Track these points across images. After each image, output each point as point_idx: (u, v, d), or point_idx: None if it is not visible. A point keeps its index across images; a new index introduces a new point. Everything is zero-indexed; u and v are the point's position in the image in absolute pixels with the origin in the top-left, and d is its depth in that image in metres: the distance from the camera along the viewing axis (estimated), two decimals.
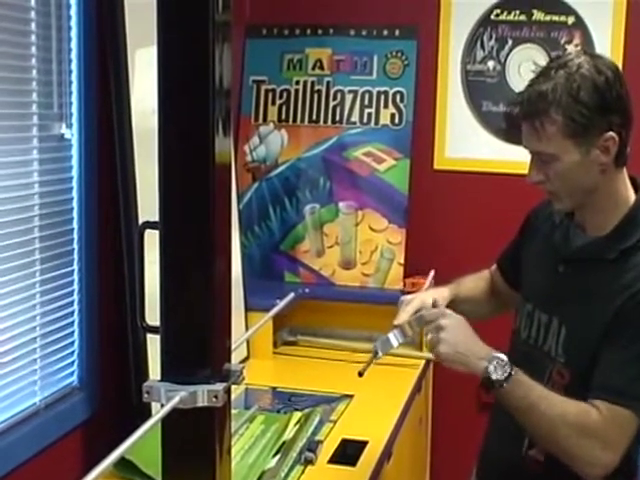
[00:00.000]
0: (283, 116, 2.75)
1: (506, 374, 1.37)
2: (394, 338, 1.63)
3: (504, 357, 1.40)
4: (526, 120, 1.39)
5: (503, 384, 1.37)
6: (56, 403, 1.74)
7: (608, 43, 2.62)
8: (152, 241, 1.22)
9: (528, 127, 1.39)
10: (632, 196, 1.45)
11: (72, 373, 1.81)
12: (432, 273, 2.09)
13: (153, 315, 1.23)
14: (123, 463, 1.55)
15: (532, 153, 1.42)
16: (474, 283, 1.79)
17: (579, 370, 1.41)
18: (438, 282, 2.60)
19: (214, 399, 1.08)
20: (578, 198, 1.43)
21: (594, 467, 1.36)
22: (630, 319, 1.35)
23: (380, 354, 1.61)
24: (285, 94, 2.76)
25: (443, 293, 1.70)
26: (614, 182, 1.42)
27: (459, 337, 1.43)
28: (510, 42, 2.69)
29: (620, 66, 2.57)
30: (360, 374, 1.56)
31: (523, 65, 2.69)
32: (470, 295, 1.76)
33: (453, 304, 1.67)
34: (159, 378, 1.11)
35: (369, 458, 1.75)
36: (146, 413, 1.66)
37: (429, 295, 1.65)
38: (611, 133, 1.36)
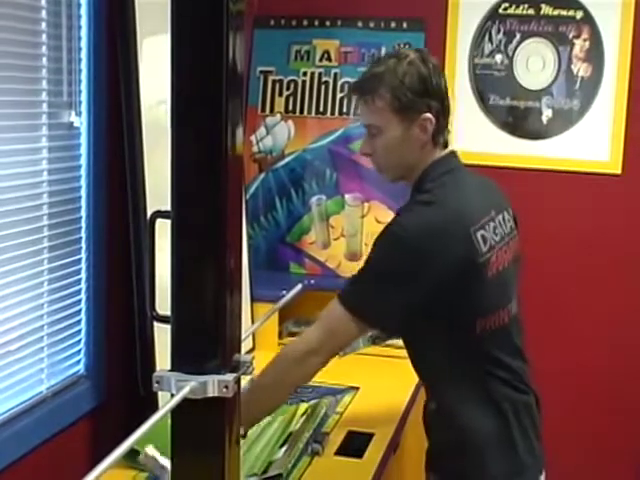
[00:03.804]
0: (290, 107, 2.74)
1: None
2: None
3: None
4: (361, 96, 1.63)
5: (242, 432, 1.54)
6: (63, 392, 1.74)
7: (616, 38, 2.61)
8: (161, 230, 1.22)
9: (362, 102, 1.64)
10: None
11: (79, 362, 1.81)
12: None
13: (161, 304, 1.23)
14: (130, 452, 1.55)
15: (364, 126, 1.66)
16: None
17: None
18: None
19: (224, 389, 1.08)
20: (399, 171, 1.66)
21: (304, 375, 1.62)
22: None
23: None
24: (292, 85, 2.75)
25: None
26: (429, 159, 1.64)
27: None
28: (518, 36, 2.68)
29: (628, 61, 2.58)
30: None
31: (531, 59, 2.68)
32: None
33: None
34: (166, 367, 1.11)
35: (376, 450, 1.76)
36: (153, 403, 1.66)
37: None
38: (428, 114, 1.60)
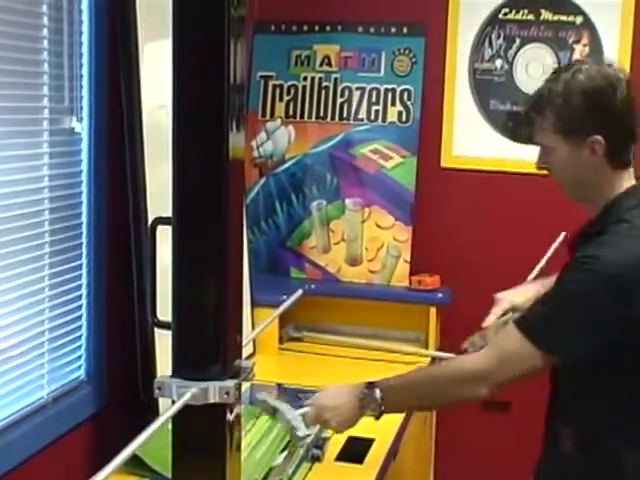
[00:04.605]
0: (290, 112, 2.75)
1: (378, 401, 1.56)
2: (479, 340, 1.76)
3: (365, 390, 1.57)
4: (532, 112, 1.58)
5: (382, 408, 1.56)
6: (63, 397, 1.74)
7: (616, 43, 2.61)
8: (162, 236, 1.22)
9: (533, 119, 1.57)
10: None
11: (79, 367, 1.81)
12: (560, 237, 1.95)
13: (162, 310, 1.23)
14: (130, 458, 1.55)
15: (537, 143, 1.60)
16: None
17: None
18: (445, 280, 2.61)
19: (225, 395, 1.09)
20: (577, 192, 1.58)
21: (477, 396, 1.53)
22: (554, 285, 1.53)
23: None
24: (293, 90, 2.75)
25: (535, 292, 1.76)
26: (608, 182, 1.54)
27: (338, 417, 1.60)
28: (518, 41, 2.69)
29: (628, 66, 2.58)
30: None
31: (531, 64, 2.69)
32: None
33: None
34: (167, 373, 1.12)
35: (376, 456, 1.76)
36: (153, 408, 1.66)
37: (520, 294, 1.79)
38: (597, 137, 1.48)
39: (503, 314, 1.77)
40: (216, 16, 1.07)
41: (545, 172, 1.61)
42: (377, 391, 1.55)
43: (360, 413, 1.58)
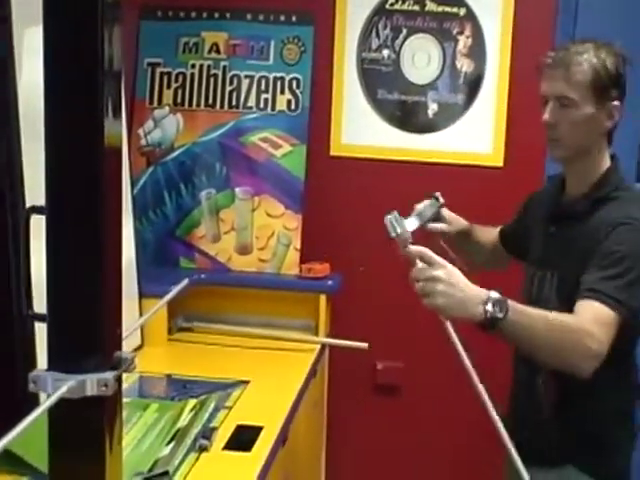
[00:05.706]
0: (179, 100, 2.71)
1: (504, 309, 1.46)
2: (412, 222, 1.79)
3: (497, 294, 1.48)
4: (561, 66, 1.65)
5: (505, 317, 1.46)
6: None
7: (497, 35, 2.70)
8: (40, 226, 1.18)
9: (561, 72, 1.65)
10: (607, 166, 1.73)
11: None
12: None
13: (40, 303, 1.20)
14: (10, 456, 1.50)
15: (554, 97, 1.67)
16: (486, 232, 2.09)
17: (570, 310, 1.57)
18: (335, 267, 2.65)
19: (104, 388, 1.06)
20: (572, 151, 1.69)
21: (588, 359, 1.50)
22: (603, 251, 1.59)
23: (394, 234, 1.64)
24: (181, 77, 2.71)
25: (460, 220, 2.00)
26: (602, 152, 1.71)
27: (455, 288, 1.46)
28: (404, 31, 2.74)
29: (508, 57, 2.68)
30: None
31: (417, 55, 2.75)
32: (479, 237, 2.07)
33: (463, 236, 2.00)
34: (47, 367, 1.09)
35: (264, 443, 1.76)
36: (34, 404, 1.61)
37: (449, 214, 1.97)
38: (618, 103, 1.67)
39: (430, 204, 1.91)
40: (88, 1, 1.03)
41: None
42: (508, 300, 1.47)
43: (476, 308, 1.44)
